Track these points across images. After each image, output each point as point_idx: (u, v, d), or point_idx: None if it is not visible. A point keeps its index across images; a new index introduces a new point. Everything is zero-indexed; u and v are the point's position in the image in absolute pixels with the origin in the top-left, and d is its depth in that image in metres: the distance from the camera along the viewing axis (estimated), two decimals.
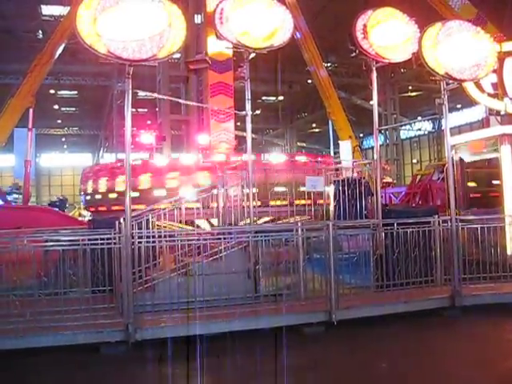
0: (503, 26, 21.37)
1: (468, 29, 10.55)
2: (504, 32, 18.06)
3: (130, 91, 8.43)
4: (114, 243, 9.03)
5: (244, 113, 10.69)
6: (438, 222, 10.76)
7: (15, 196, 29.61)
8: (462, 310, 9.98)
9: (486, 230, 10.98)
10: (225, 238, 9.99)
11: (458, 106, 42.96)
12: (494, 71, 11.81)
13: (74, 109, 56.78)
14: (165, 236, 9.99)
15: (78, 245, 9.06)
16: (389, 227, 10.61)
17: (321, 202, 11.80)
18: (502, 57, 12.27)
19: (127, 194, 8.71)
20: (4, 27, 33.65)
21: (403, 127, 51.44)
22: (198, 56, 21.85)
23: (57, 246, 9.15)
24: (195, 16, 25.62)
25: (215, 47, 20.38)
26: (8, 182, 46.80)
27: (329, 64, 42.83)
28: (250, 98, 10.54)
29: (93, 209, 19.24)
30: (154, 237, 9.87)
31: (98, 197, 18.22)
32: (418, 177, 21.23)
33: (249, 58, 10.55)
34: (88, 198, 19.24)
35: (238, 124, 22.97)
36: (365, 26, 10.69)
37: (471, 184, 14.57)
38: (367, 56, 10.96)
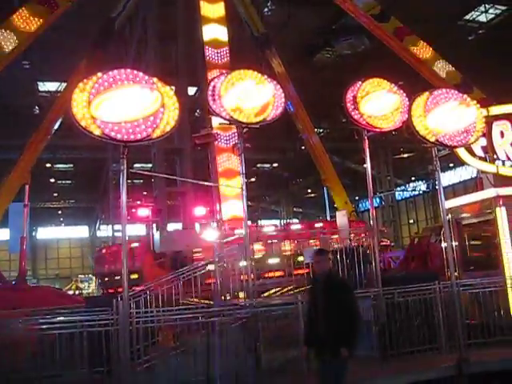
0: (485, 86, 21.88)
1: (455, 97, 10.78)
2: (486, 92, 18.49)
3: (125, 171, 8.47)
4: (112, 324, 8.88)
5: (239, 188, 10.72)
6: (439, 288, 10.66)
7: None
8: (470, 377, 9.71)
9: (487, 294, 10.88)
10: (224, 315, 9.82)
11: (451, 164, 43.46)
12: (483, 135, 11.99)
13: (69, 182, 57.05)
14: (163, 315, 9.82)
15: (75, 327, 8.91)
16: (389, 295, 10.50)
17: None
18: (489, 121, 12.49)
19: (124, 272, 8.61)
20: (1, 103, 34.26)
21: (398, 188, 51.77)
22: (203, 131, 22.16)
23: (52, 328, 8.99)
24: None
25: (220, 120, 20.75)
26: (3, 256, 46.57)
27: (321, 130, 43.52)
28: (244, 172, 10.61)
29: (112, 290, 19.08)
30: (152, 316, 9.69)
31: (118, 278, 18.03)
32: (416, 240, 21.17)
33: (242, 133, 10.68)
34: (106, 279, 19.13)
35: None
36: (354, 97, 10.89)
37: (469, 246, 14.47)
38: (358, 126, 11.13)
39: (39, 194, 48.45)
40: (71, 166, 51.52)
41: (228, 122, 10.64)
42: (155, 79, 8.42)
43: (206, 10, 23.63)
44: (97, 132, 8.10)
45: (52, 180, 54.12)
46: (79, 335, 9.07)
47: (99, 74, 8.18)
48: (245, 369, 9.39)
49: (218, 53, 22.10)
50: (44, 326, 9.12)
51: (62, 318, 9.69)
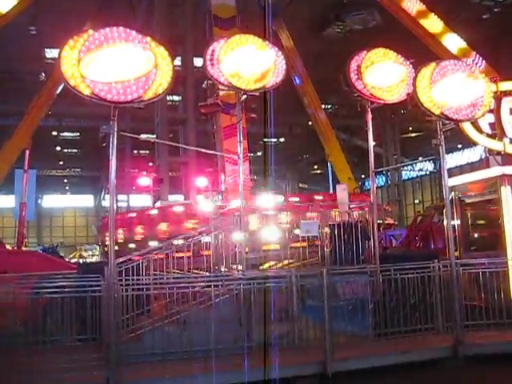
0: (499, 66, 21.34)
1: (463, 68, 10.38)
2: (500, 72, 17.98)
3: (116, 133, 8.19)
4: (99, 291, 8.69)
5: (236, 156, 10.43)
6: (438, 267, 10.37)
7: None
8: (465, 359, 9.48)
9: (488, 275, 10.59)
10: (216, 286, 9.60)
11: (459, 145, 42.88)
12: (491, 111, 11.61)
13: (75, 150, 56.83)
14: (153, 283, 9.62)
15: (62, 292, 8.73)
16: (387, 273, 10.24)
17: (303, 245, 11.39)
18: (498, 96, 12.07)
19: (111, 238, 8.39)
20: (7, 69, 33.93)
21: (404, 168, 51.31)
22: (209, 100, 21.65)
23: (41, 293, 8.81)
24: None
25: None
26: (9, 223, 46.65)
27: (329, 106, 42.96)
28: (241, 140, 10.31)
29: None
30: (141, 284, 9.48)
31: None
32: (419, 218, 20.90)
33: (241, 99, 10.35)
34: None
35: None
36: (359, 66, 10.56)
37: (471, 225, 14.16)
38: (362, 97, 10.79)
39: (45, 161, 48.40)
40: (77, 134, 51.23)
41: (226, 88, 10.28)
42: (148, 38, 8.11)
43: None
44: (86, 92, 7.82)
45: (58, 148, 53.96)
46: (69, 301, 8.89)
47: (90, 32, 7.88)
48: (234, 341, 9.21)
49: (225, 20, 21.39)
50: (34, 291, 8.94)
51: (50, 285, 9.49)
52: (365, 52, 10.69)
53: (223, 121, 20.90)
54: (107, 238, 18.91)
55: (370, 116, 10.99)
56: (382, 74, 10.60)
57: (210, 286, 9.56)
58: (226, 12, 21.38)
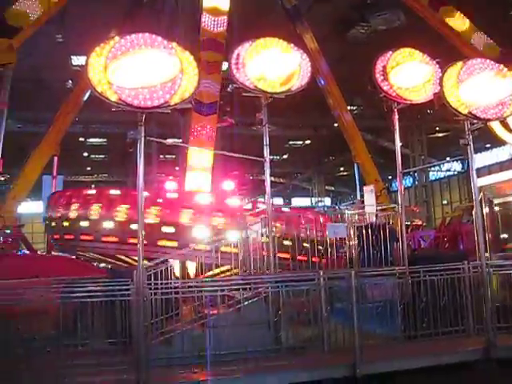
0: None
1: (490, 67, 10.23)
2: None
3: (143, 139, 8.27)
4: (128, 295, 8.77)
5: (263, 159, 10.41)
6: (468, 268, 10.23)
7: None
8: (498, 362, 9.31)
9: None
10: (244, 289, 9.62)
11: (488, 145, 42.22)
12: None
13: (103, 156, 57.38)
14: (182, 287, 9.67)
15: (92, 296, 8.83)
16: (416, 274, 10.14)
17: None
18: None
19: (140, 244, 8.45)
20: (35, 77, 34.40)
21: (432, 168, 50.68)
22: None
23: (72, 297, 8.93)
24: None
25: (201, 88, 19.61)
26: (39, 229, 47.27)
27: (354, 107, 42.69)
28: (268, 143, 10.31)
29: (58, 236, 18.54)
30: (169, 288, 9.54)
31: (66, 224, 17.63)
32: (448, 219, 20.74)
33: (266, 102, 10.35)
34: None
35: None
36: (384, 67, 10.52)
37: (502, 226, 13.96)
38: (388, 98, 10.73)
39: (72, 167, 48.95)
40: (104, 140, 51.71)
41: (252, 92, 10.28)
42: (174, 44, 8.17)
43: None
44: (113, 98, 7.92)
45: (85, 154, 54.56)
46: (99, 305, 9.00)
47: (116, 39, 7.98)
48: (263, 344, 9.22)
49: (214, 20, 21.07)
50: (64, 295, 9.06)
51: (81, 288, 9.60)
52: (390, 52, 10.65)
53: (194, 120, 20.36)
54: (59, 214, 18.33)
55: (396, 117, 10.92)
56: (407, 74, 10.55)
57: (238, 290, 9.61)
58: (217, 13, 21.12)
